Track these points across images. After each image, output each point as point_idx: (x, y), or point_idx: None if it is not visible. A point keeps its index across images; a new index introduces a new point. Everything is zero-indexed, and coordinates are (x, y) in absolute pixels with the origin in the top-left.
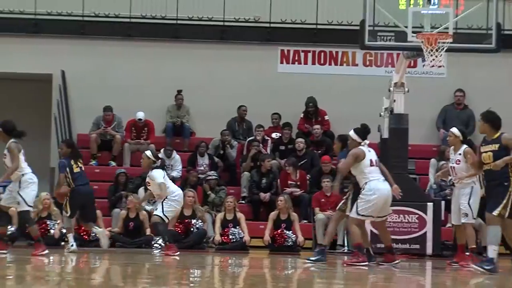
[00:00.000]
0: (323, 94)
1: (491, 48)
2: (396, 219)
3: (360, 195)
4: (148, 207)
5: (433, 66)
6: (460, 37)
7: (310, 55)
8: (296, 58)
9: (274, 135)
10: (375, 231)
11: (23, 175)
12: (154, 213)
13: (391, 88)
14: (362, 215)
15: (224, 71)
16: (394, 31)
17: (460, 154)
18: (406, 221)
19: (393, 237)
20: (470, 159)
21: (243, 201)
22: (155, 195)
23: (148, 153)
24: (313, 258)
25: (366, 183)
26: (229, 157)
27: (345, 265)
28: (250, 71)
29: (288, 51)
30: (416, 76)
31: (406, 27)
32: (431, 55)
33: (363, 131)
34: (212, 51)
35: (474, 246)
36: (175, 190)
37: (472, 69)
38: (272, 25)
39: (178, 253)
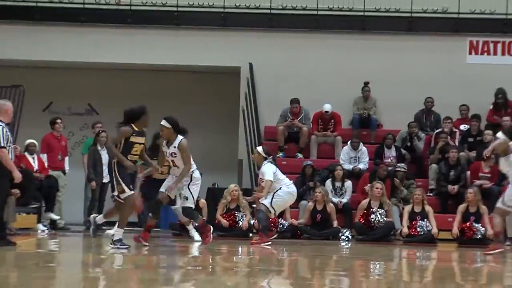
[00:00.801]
0: None
1: None
2: None
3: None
4: (335, 199)
5: None
6: None
7: (499, 45)
8: (485, 49)
9: (462, 127)
10: None
11: (193, 171)
12: (261, 202)
13: None
14: (508, 206)
15: (411, 63)
16: None
17: None
18: None
19: None
20: None
21: (431, 194)
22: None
23: (260, 149)
24: None
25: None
26: (417, 149)
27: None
28: (438, 62)
29: (477, 41)
30: None
31: None
32: None
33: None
34: (399, 42)
35: None
36: (289, 182)
37: None
38: (460, 15)
39: (270, 243)
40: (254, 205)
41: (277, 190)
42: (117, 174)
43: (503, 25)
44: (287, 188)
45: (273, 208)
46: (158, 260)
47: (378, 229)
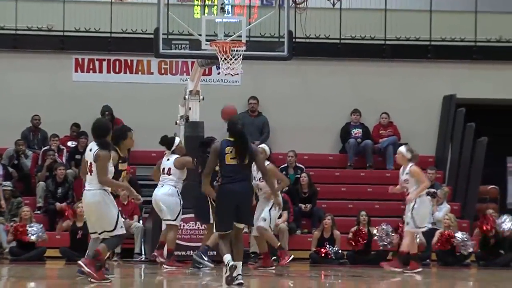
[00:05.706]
0: (119, 102)
1: (284, 56)
2: (193, 226)
3: None
4: None
5: (228, 74)
6: (254, 45)
7: (104, 63)
8: (91, 67)
9: (69, 143)
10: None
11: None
12: None
13: (187, 96)
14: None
15: (17, 80)
16: (189, 39)
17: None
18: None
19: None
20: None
21: (38, 211)
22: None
23: (403, 149)
24: None
25: None
26: (24, 167)
27: None
28: (44, 80)
29: (83, 59)
30: (211, 84)
31: (200, 35)
32: (226, 63)
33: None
34: (4, 59)
35: None
36: None
37: (265, 76)
38: (65, 33)
39: None
40: None
41: None
42: None
43: (107, 43)
44: None
45: None
46: None
47: None
